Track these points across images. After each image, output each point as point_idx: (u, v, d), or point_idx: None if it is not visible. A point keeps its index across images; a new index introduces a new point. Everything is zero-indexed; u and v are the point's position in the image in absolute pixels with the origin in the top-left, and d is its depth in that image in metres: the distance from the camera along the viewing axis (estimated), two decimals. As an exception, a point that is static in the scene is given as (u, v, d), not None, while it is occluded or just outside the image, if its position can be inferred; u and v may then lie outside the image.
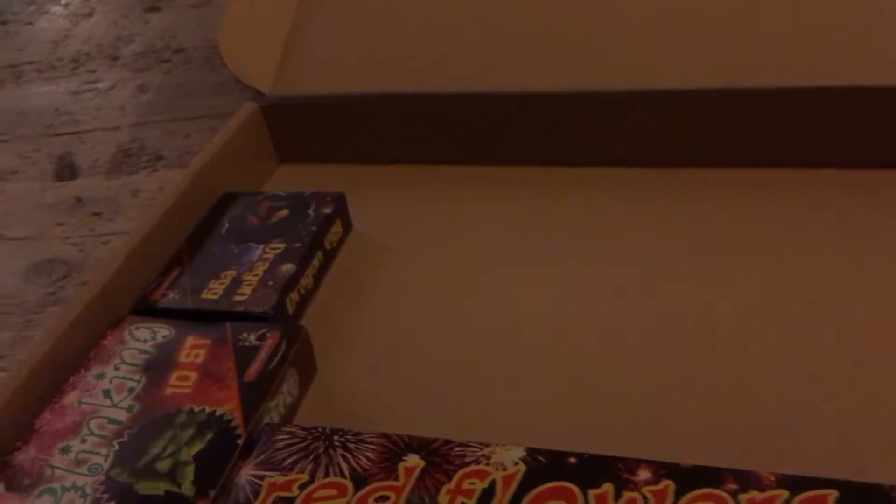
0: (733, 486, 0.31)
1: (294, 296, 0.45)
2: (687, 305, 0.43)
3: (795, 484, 0.31)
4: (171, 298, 0.45)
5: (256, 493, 0.34)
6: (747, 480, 0.31)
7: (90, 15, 0.93)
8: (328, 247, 0.50)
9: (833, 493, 0.30)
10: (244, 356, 0.40)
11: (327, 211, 0.50)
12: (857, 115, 0.49)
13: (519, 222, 0.52)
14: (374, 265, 0.50)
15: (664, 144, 0.53)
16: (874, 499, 0.30)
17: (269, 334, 0.41)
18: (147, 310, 0.45)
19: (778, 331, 0.41)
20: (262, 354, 0.40)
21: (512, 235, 0.51)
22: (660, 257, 0.47)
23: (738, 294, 0.43)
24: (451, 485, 0.33)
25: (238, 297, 0.44)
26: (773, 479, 0.31)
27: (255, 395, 0.38)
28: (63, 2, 0.98)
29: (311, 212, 0.50)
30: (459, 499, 0.33)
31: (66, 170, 0.65)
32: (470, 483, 0.33)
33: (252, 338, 0.41)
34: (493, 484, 0.33)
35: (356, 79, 0.57)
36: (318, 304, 0.47)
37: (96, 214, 0.60)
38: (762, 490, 0.31)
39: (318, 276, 0.48)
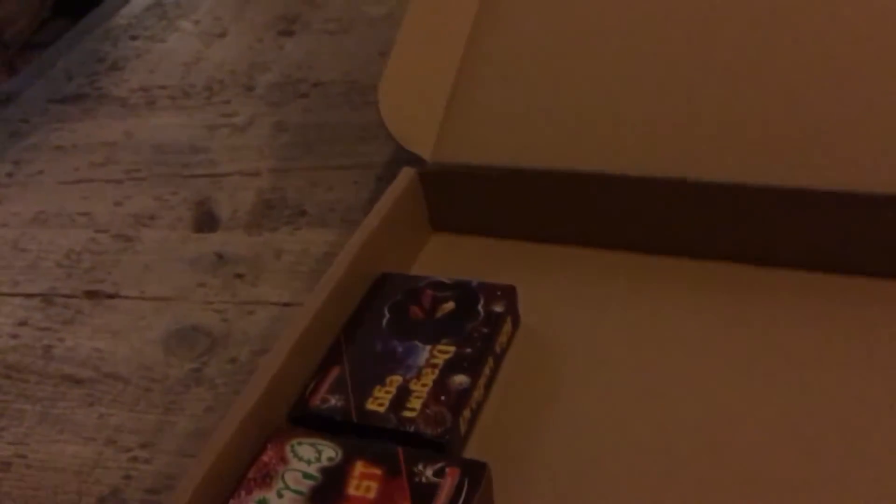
0: None
1: (467, 413, 0.41)
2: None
3: None
4: (332, 406, 0.41)
5: None
6: None
7: (223, 35, 0.91)
8: (499, 350, 0.45)
9: None
10: (421, 496, 0.36)
11: (499, 309, 0.45)
12: None
13: (702, 322, 0.46)
14: (549, 370, 0.45)
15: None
16: None
17: (448, 470, 0.37)
18: (305, 416, 0.41)
19: None
20: (442, 497, 0.35)
21: (699, 337, 0.45)
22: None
23: None
24: None
25: (408, 413, 0.40)
26: None
27: (438, 553, 0.34)
28: (193, 18, 0.96)
29: (480, 308, 0.45)
30: None
31: (206, 219, 0.62)
32: None
33: (429, 472, 0.37)
34: None
35: (520, 151, 0.52)
36: (487, 419, 0.43)
37: (239, 276, 0.56)
38: None
39: (489, 385, 0.44)
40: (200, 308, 0.54)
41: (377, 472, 0.36)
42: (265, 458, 0.37)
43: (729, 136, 0.49)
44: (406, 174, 0.53)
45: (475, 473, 0.36)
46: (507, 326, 0.46)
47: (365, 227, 0.49)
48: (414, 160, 0.54)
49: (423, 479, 0.36)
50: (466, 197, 0.54)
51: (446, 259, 0.54)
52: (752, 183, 0.47)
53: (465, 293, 0.46)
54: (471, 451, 0.41)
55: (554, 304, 0.49)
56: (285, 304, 0.54)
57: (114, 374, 0.51)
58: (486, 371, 0.43)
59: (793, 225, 0.47)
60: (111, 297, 0.57)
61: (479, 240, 0.55)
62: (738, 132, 0.49)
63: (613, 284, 0.50)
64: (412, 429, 0.39)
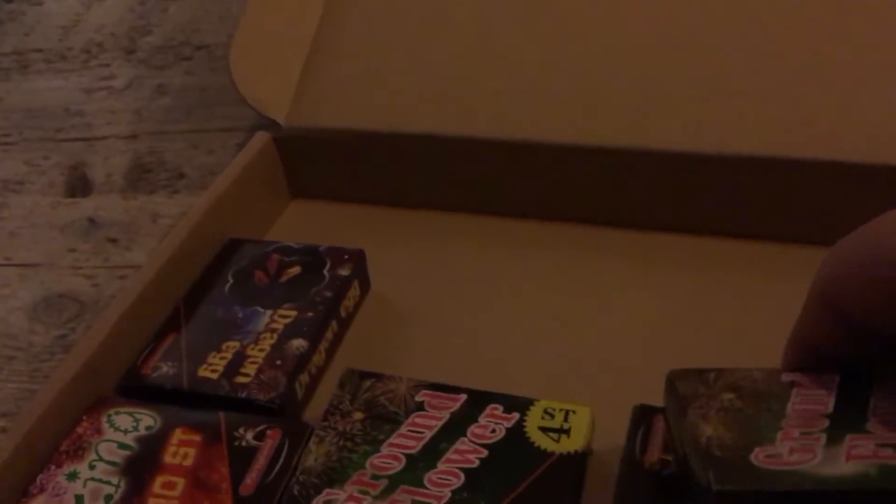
0: None
1: (304, 377, 0.40)
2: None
3: None
4: (163, 374, 0.39)
5: None
6: None
7: (104, -2, 0.87)
8: (343, 314, 0.44)
9: None
10: (240, 460, 0.34)
11: (345, 273, 0.44)
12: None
13: (553, 287, 0.46)
14: (395, 334, 0.44)
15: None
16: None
17: (269, 432, 0.35)
18: (136, 386, 0.39)
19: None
20: (261, 460, 0.34)
21: (547, 301, 0.45)
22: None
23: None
24: None
25: (241, 379, 0.38)
26: None
27: (253, 515, 0.33)
28: (72, -20, 0.92)
29: (326, 272, 0.44)
30: None
31: (79, 184, 0.59)
32: None
33: (249, 436, 0.35)
34: None
35: (380, 115, 0.51)
36: (329, 384, 0.42)
37: (112, 241, 0.54)
38: None
39: (332, 350, 0.43)
40: (69, 274, 0.52)
41: (196, 438, 0.35)
42: (79, 429, 0.36)
43: (576, 99, 0.49)
44: (260, 138, 0.52)
45: (297, 435, 0.35)
46: (355, 291, 0.44)
47: (212, 192, 0.48)
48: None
49: (243, 444, 0.35)
50: (325, 162, 0.53)
51: (303, 226, 0.52)
52: (593, 144, 0.47)
53: (313, 258, 0.45)
54: (310, 414, 0.40)
55: (408, 268, 0.48)
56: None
57: (-25, 344, 0.48)
58: (329, 335, 0.42)
59: (629, 185, 0.48)
60: (-27, 265, 0.54)
61: (338, 206, 0.53)
62: (587, 94, 0.49)
63: (467, 248, 0.49)
64: (244, 394, 0.38)
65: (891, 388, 0.30)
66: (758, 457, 0.28)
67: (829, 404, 0.30)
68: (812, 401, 0.30)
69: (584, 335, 0.43)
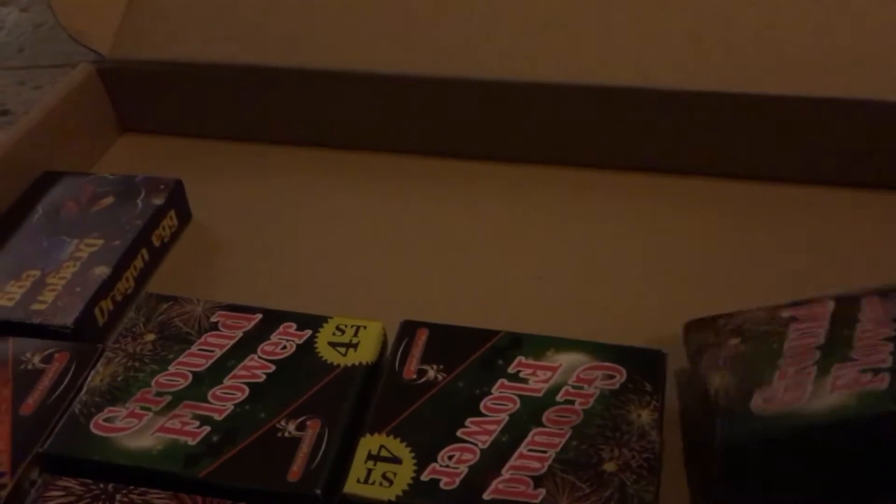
0: None
1: (107, 304, 0.39)
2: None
3: None
4: (-42, 303, 0.38)
5: (13, 565, 0.29)
6: None
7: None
8: (157, 243, 0.43)
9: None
10: (24, 382, 0.34)
11: (159, 202, 0.43)
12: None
13: (377, 215, 0.46)
14: (211, 264, 0.44)
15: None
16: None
17: (57, 355, 0.35)
18: (-72, 316, 0.38)
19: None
20: (46, 382, 0.34)
21: (369, 228, 0.46)
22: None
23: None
24: (244, 561, 0.28)
25: (37, 306, 0.38)
26: None
27: (30, 434, 0.32)
28: None
29: (139, 201, 0.44)
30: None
31: None
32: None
33: (36, 359, 0.35)
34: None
35: (206, 46, 0.50)
36: (139, 311, 0.41)
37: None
38: None
39: (142, 278, 0.42)
40: None
41: (-19, 363, 0.35)
42: None
43: (403, 29, 0.49)
44: (82, 70, 0.50)
45: (85, 357, 0.35)
46: (171, 220, 0.44)
47: (23, 124, 0.46)
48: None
49: (29, 367, 0.35)
50: (154, 96, 0.52)
51: (131, 160, 0.52)
52: (430, 75, 0.47)
53: (127, 188, 0.44)
54: (117, 343, 0.40)
55: (232, 200, 0.48)
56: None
57: None
58: (139, 264, 0.42)
59: (445, 115, 0.48)
60: None
61: (168, 139, 0.53)
62: (411, 24, 0.49)
63: (295, 180, 0.49)
64: (38, 320, 0.37)
65: (877, 309, 0.32)
66: (756, 402, 0.30)
67: (822, 335, 0.32)
68: (807, 335, 0.32)
69: (398, 258, 0.43)
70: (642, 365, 0.34)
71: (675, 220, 0.45)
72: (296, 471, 0.31)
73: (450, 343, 0.35)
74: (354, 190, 0.48)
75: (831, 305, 0.33)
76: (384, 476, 0.31)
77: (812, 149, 0.45)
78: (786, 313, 0.34)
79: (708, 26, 0.46)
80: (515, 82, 0.46)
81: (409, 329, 0.36)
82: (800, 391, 0.29)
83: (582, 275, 0.42)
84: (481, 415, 0.32)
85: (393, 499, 0.30)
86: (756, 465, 0.30)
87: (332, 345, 0.35)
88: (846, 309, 0.33)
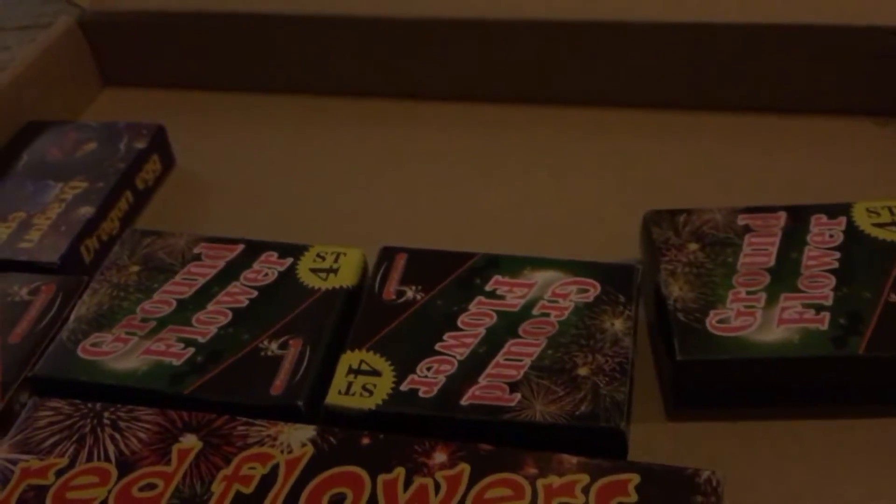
0: (532, 471, 0.28)
1: (92, 242, 0.40)
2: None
3: (597, 469, 0.28)
4: (-56, 244, 0.39)
5: (6, 480, 0.29)
6: (547, 464, 0.28)
7: None
8: (141, 186, 0.44)
9: (634, 478, 0.27)
10: (11, 314, 0.35)
11: (141, 146, 0.44)
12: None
13: (358, 155, 0.47)
14: (196, 206, 0.45)
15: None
16: (676, 483, 0.27)
17: (43, 287, 0.36)
18: (-84, 257, 0.39)
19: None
20: (33, 312, 0.35)
21: (351, 167, 0.46)
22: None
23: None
24: (229, 470, 0.29)
25: (24, 245, 0.39)
26: (573, 462, 0.28)
27: (18, 360, 0.33)
28: None
29: (122, 146, 0.44)
30: (235, 486, 0.29)
31: None
32: (250, 468, 0.29)
33: (24, 292, 0.36)
34: (275, 468, 0.29)
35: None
36: (124, 251, 0.42)
37: None
38: (561, 475, 0.28)
39: (127, 220, 0.43)
40: None
41: (-32, 299, 0.36)
42: None
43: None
44: (62, 23, 0.51)
45: (71, 288, 0.36)
46: (154, 165, 0.45)
47: (6, 75, 0.47)
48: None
49: (17, 299, 0.35)
50: (135, 47, 0.53)
51: (114, 112, 0.52)
52: (410, 16, 0.48)
53: (110, 133, 0.45)
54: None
55: (218, 148, 0.49)
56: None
57: None
58: (123, 206, 0.43)
59: (439, 56, 0.49)
60: None
61: (152, 92, 0.53)
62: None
63: (281, 127, 0.50)
64: (24, 257, 0.38)
65: (822, 233, 0.35)
66: (712, 322, 0.33)
67: (773, 254, 0.35)
68: (759, 251, 0.35)
69: (378, 192, 0.45)
70: (616, 279, 0.35)
71: (649, 153, 0.46)
72: (278, 385, 0.31)
73: (428, 265, 0.36)
74: (337, 134, 0.49)
75: (783, 218, 0.36)
76: (364, 387, 0.32)
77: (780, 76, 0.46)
78: (742, 220, 0.36)
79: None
80: (495, 20, 0.47)
81: (388, 254, 0.37)
82: (750, 319, 0.33)
83: (556, 201, 0.43)
84: (459, 329, 0.33)
85: (373, 407, 0.31)
86: (705, 380, 0.33)
87: (314, 271, 0.36)
88: (796, 226, 0.36)
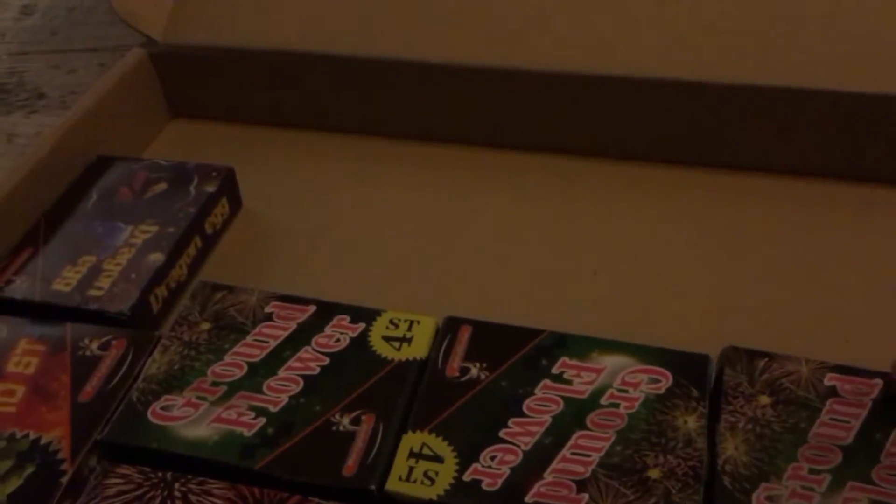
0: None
1: (161, 291, 0.40)
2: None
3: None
4: (16, 287, 0.39)
5: (75, 550, 0.29)
6: None
7: None
8: (210, 230, 0.44)
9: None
10: (82, 369, 0.35)
11: (211, 189, 0.44)
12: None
13: (427, 205, 0.47)
14: (262, 251, 0.44)
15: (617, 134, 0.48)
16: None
17: (114, 342, 0.36)
18: (-14, 299, 0.39)
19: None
20: (103, 369, 0.35)
21: (419, 218, 0.46)
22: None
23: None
24: (299, 554, 0.29)
25: (93, 292, 0.39)
26: None
27: (89, 421, 0.33)
28: None
29: (192, 188, 0.44)
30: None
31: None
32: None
33: (94, 346, 0.36)
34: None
35: (260, 32, 0.50)
36: (191, 299, 0.42)
37: (-36, 161, 0.53)
38: None
39: (195, 266, 0.43)
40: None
41: (41, 348, 0.35)
42: (-79, 339, 0.36)
43: (460, 18, 0.49)
44: (134, 55, 0.51)
45: (143, 344, 0.35)
46: (222, 208, 0.45)
47: (78, 107, 0.47)
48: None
49: (87, 353, 0.35)
50: (204, 81, 0.52)
51: (181, 145, 0.52)
52: (482, 65, 0.47)
53: (180, 174, 0.45)
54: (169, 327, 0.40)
55: (283, 188, 0.48)
56: (14, 191, 0.51)
57: None
58: (192, 251, 0.42)
59: (498, 106, 0.48)
60: None
61: (218, 125, 0.53)
62: (469, 15, 0.49)
63: (345, 169, 0.49)
64: (94, 306, 0.38)
65: None
66: (760, 498, 0.29)
67: (853, 430, 0.31)
68: (838, 423, 0.31)
69: (448, 251, 0.44)
70: (688, 369, 0.34)
71: (727, 217, 0.44)
72: (351, 465, 0.31)
73: (493, 341, 0.35)
74: (405, 179, 0.48)
75: (876, 388, 0.32)
76: (426, 474, 0.31)
77: (867, 145, 0.44)
78: (829, 380, 0.33)
79: (774, 22, 0.45)
80: (568, 73, 0.46)
81: (452, 325, 0.36)
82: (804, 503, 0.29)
83: (629, 272, 0.42)
84: (524, 415, 0.32)
85: (434, 498, 0.30)
86: None
87: (386, 339, 0.35)
88: (889, 403, 0.32)
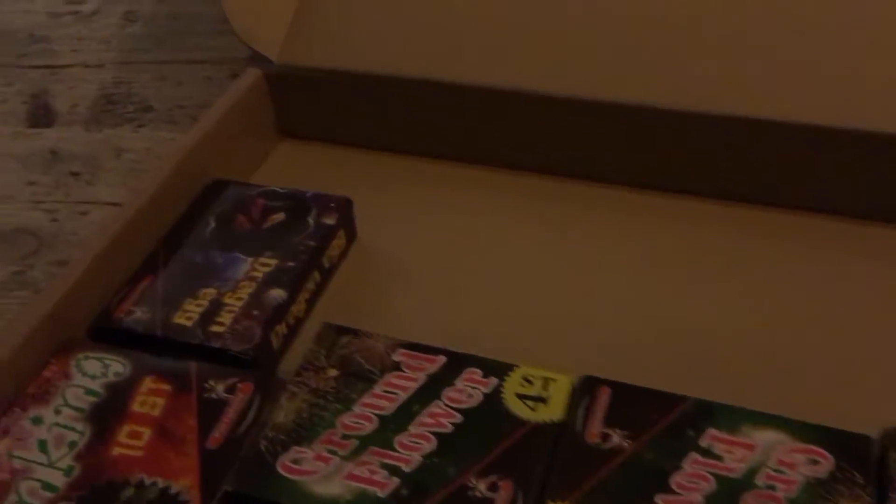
0: None
1: (281, 328, 0.39)
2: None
3: None
4: (136, 318, 0.39)
5: None
6: None
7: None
8: (327, 264, 0.43)
9: None
10: (209, 413, 0.34)
11: (330, 222, 0.43)
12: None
13: (550, 243, 0.45)
14: (378, 286, 0.43)
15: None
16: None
17: (241, 385, 0.35)
18: (107, 329, 0.39)
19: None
20: (231, 414, 0.34)
21: (543, 257, 0.44)
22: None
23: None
24: None
25: (215, 328, 0.38)
26: None
27: (218, 470, 0.32)
28: None
29: (311, 220, 0.43)
30: None
31: (42, 113, 0.58)
32: None
33: (220, 388, 0.35)
34: None
35: (375, 56, 0.49)
36: (308, 335, 0.41)
37: (74, 174, 0.53)
38: None
39: (313, 300, 0.42)
40: (29, 208, 0.51)
41: (166, 387, 0.35)
42: (47, 373, 0.35)
43: (588, 51, 0.47)
44: (250, 74, 0.50)
45: (269, 389, 0.34)
46: (340, 240, 0.44)
47: (198, 130, 0.46)
48: (264, 61, 0.51)
49: (213, 396, 0.34)
50: (317, 102, 0.52)
51: (291, 167, 0.51)
52: (596, 98, 0.45)
53: (298, 204, 0.44)
54: (287, 365, 0.39)
55: (396, 217, 0.47)
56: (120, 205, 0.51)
57: (-72, 278, 0.48)
58: (311, 286, 0.41)
59: (637, 145, 0.46)
60: (-71, 195, 0.53)
61: (327, 148, 0.52)
62: (600, 48, 0.47)
63: (459, 199, 0.48)
64: (218, 344, 0.37)
65: None
66: None
67: None
68: None
69: (578, 298, 0.42)
70: (849, 451, 0.31)
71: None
72: (491, 537, 0.30)
73: (634, 405, 0.34)
74: (523, 215, 0.47)
75: None
76: (573, 549, 0.29)
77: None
78: None
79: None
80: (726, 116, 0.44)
81: (590, 386, 0.34)
82: None
83: (772, 330, 0.40)
84: (672, 492, 0.31)
85: (580, 582, 0.29)
86: None
87: (521, 397, 0.34)
88: None
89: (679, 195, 0.47)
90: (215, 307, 0.39)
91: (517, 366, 0.35)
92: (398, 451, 0.32)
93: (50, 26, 0.66)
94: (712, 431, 0.32)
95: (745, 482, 0.31)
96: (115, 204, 0.50)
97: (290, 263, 0.41)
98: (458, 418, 0.33)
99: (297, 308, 0.40)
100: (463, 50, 0.49)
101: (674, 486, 0.31)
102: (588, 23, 0.47)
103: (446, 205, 0.48)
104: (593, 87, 0.46)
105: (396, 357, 0.36)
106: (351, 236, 0.45)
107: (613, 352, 0.38)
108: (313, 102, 0.52)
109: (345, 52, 0.50)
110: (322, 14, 0.51)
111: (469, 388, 0.34)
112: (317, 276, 0.42)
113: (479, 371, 0.35)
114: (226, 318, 0.38)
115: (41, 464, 0.32)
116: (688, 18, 0.46)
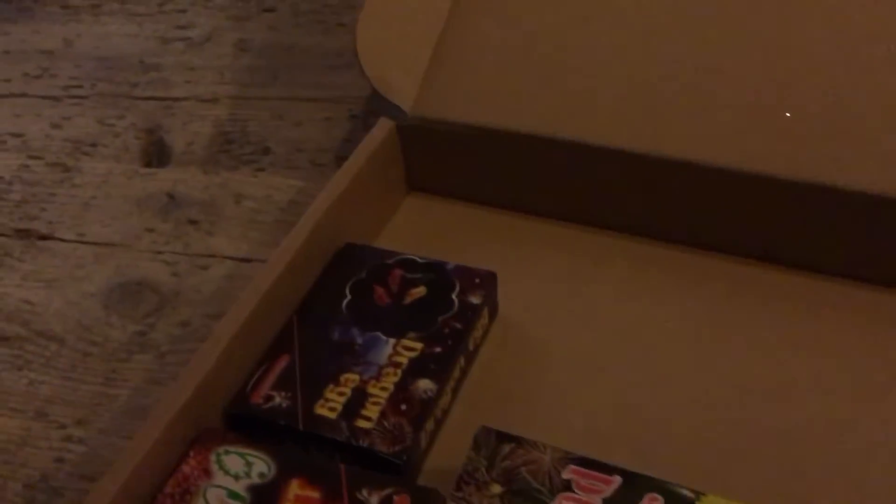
0: None
1: (429, 424, 0.36)
2: None
3: None
4: (276, 406, 0.36)
5: None
6: None
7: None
8: (472, 347, 0.40)
9: None
10: (366, 530, 0.31)
11: (476, 301, 0.40)
12: None
13: (699, 321, 0.41)
14: (524, 370, 0.40)
15: None
16: None
17: (396, 498, 0.32)
18: (243, 414, 0.36)
19: None
20: (389, 534, 0.31)
21: (703, 344, 0.41)
22: None
23: None
24: None
25: (362, 423, 0.35)
26: None
27: None
28: None
29: (455, 297, 0.40)
30: None
31: (156, 151, 0.55)
32: None
33: (374, 500, 0.32)
34: None
35: (512, 111, 0.46)
36: (453, 427, 0.38)
37: (192, 222, 0.50)
38: None
39: (458, 388, 0.39)
40: (147, 258, 0.49)
41: (314, 495, 0.32)
42: (186, 468, 0.33)
43: (740, 121, 0.43)
44: (383, 126, 0.47)
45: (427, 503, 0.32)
46: (484, 320, 0.40)
47: (333, 189, 0.44)
48: (392, 108, 0.47)
49: (369, 509, 0.31)
50: (448, 156, 0.48)
51: (420, 224, 0.48)
52: (758, 172, 0.42)
53: (439, 277, 0.41)
54: (432, 463, 0.37)
55: (537, 291, 0.44)
56: (243, 260, 0.48)
57: (46, 332, 0.45)
58: (456, 374, 0.38)
59: (797, 221, 0.42)
60: (45, 237, 0.51)
61: (458, 205, 0.49)
62: (751, 118, 0.43)
63: (605, 271, 0.45)
64: (366, 443, 0.34)
65: None
66: None
67: None
68: None
69: (766, 403, 0.38)
70: None
71: None
72: None
73: None
74: (681, 294, 0.43)
75: None
76: None
77: None
78: None
79: None
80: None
81: None
82: None
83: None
84: None
85: None
86: None
87: (709, 533, 0.30)
88: None
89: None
90: (360, 397, 0.36)
91: (703, 494, 0.32)
92: None
93: (160, 53, 0.64)
94: None
95: None
96: (236, 259, 0.48)
97: (437, 349, 0.38)
98: (641, 555, 0.30)
99: (444, 400, 0.37)
100: (609, 109, 0.45)
101: None
102: (741, 88, 0.44)
103: (590, 275, 0.44)
104: (735, 154, 0.42)
105: (566, 475, 0.32)
106: (493, 313, 0.42)
107: (812, 473, 0.35)
108: (443, 156, 0.49)
109: (477, 105, 0.47)
110: (458, 64, 0.48)
111: (650, 519, 0.31)
112: (462, 361, 0.39)
113: (661, 499, 0.32)
114: (372, 411, 0.36)
115: (187, 581, 0.30)
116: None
